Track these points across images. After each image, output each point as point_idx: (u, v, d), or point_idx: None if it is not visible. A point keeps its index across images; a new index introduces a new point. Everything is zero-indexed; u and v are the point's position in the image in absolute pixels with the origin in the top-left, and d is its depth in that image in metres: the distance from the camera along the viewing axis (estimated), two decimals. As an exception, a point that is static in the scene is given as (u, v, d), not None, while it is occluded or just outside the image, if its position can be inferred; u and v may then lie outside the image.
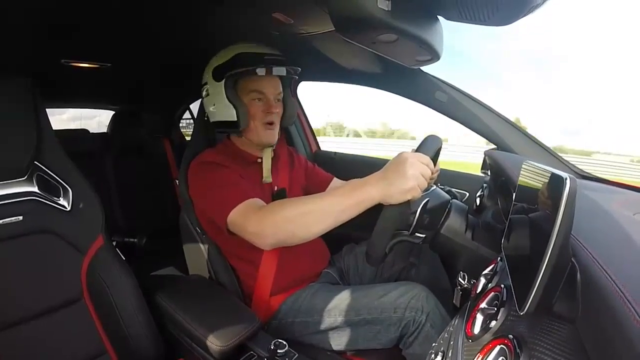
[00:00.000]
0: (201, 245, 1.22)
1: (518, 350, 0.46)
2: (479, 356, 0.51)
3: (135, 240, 2.12)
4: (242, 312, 1.06)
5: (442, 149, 0.92)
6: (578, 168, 1.27)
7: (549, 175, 0.50)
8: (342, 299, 1.11)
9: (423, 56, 1.01)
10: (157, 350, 1.07)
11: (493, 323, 0.57)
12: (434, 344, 0.77)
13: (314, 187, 1.40)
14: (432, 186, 1.08)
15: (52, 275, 0.98)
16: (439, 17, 0.91)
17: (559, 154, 1.31)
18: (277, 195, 1.24)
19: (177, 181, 1.35)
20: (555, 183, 0.46)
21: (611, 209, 0.75)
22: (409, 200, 0.80)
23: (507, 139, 1.31)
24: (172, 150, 2.67)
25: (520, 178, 0.68)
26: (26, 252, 0.94)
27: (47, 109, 1.04)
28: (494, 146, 1.36)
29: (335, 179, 1.45)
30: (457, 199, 1.10)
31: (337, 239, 1.28)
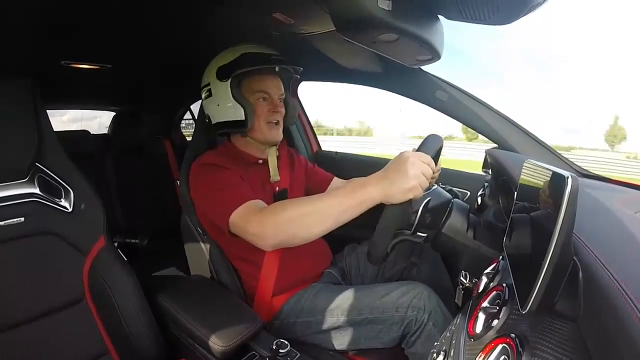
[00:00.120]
0: (202, 246, 1.22)
1: (520, 349, 0.46)
2: (481, 355, 0.51)
3: (137, 240, 2.12)
4: (244, 312, 1.06)
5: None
6: (579, 166, 1.27)
7: (551, 173, 0.50)
8: (344, 299, 1.11)
9: (423, 55, 1.01)
10: (159, 351, 1.07)
11: (495, 322, 0.57)
12: (436, 343, 0.77)
13: (314, 187, 1.40)
14: (433, 185, 1.08)
15: (54, 276, 0.98)
16: (439, 16, 0.91)
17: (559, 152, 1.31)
18: (278, 196, 1.24)
19: (178, 182, 1.35)
20: (557, 182, 0.46)
21: (613, 208, 0.75)
22: (410, 200, 0.80)
23: (508, 137, 1.31)
24: (173, 150, 2.67)
25: (521, 177, 0.68)
26: (28, 254, 0.95)
27: (47, 111, 1.05)
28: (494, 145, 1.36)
29: (335, 178, 1.45)
30: (458, 198, 1.10)
31: (338, 239, 1.28)
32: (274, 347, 0.89)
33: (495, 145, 1.35)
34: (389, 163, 0.83)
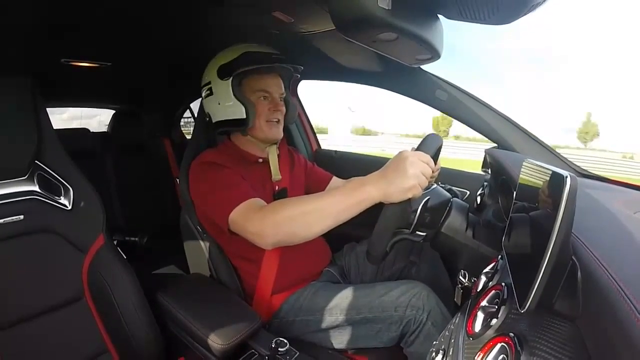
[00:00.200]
0: (202, 244, 1.22)
1: (519, 348, 0.46)
2: (480, 354, 0.52)
3: (136, 239, 2.11)
4: (243, 310, 1.06)
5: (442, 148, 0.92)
6: (578, 166, 1.27)
7: (550, 173, 0.50)
8: (343, 298, 1.11)
9: (423, 55, 1.01)
10: (158, 349, 1.07)
11: (494, 321, 0.57)
12: (434, 342, 0.77)
13: (313, 186, 1.40)
14: (432, 185, 1.08)
15: (53, 275, 0.98)
16: (439, 15, 0.91)
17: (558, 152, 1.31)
18: (278, 195, 1.24)
19: (177, 180, 1.36)
20: (556, 181, 0.46)
21: (612, 208, 0.75)
22: (409, 199, 0.80)
23: (507, 137, 1.31)
24: (173, 149, 2.67)
25: (520, 176, 0.68)
26: (27, 252, 0.95)
27: (47, 109, 1.05)
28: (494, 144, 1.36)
29: (334, 177, 1.45)
30: (457, 198, 1.10)
31: (338, 238, 1.28)
32: (273, 346, 0.89)
33: (495, 144, 1.36)
34: (388, 162, 0.83)
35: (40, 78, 1.02)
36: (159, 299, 1.10)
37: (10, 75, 0.96)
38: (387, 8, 0.74)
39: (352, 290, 1.12)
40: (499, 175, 1.09)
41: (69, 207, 1.03)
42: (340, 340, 1.10)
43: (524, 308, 0.45)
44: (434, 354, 0.69)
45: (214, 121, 1.22)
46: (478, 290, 0.76)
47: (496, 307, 0.60)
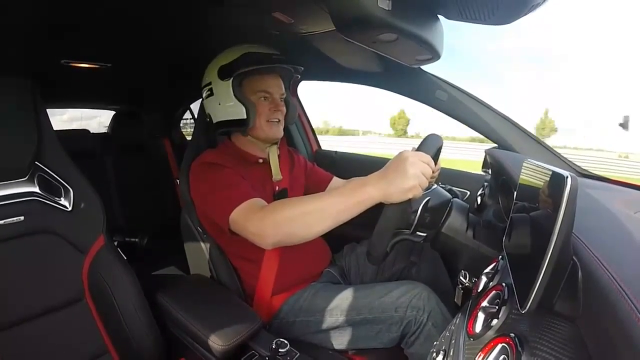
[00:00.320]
0: (202, 245, 1.22)
1: (520, 349, 0.46)
2: (480, 355, 0.52)
3: (137, 240, 2.11)
4: (244, 311, 1.06)
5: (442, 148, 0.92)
6: (578, 166, 1.27)
7: (550, 173, 0.50)
8: (343, 299, 1.11)
9: (423, 55, 1.02)
10: (159, 350, 1.07)
11: (494, 321, 0.57)
12: (435, 343, 0.77)
13: (313, 186, 1.40)
14: (433, 185, 1.08)
15: (54, 275, 0.98)
16: (439, 16, 0.91)
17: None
18: (278, 195, 1.24)
19: (177, 181, 1.36)
20: (556, 181, 0.46)
21: (612, 208, 0.75)
22: (409, 199, 0.80)
23: (507, 137, 1.31)
24: (173, 150, 2.67)
25: (521, 176, 0.68)
26: (27, 252, 0.95)
27: (47, 110, 1.05)
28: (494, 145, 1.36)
29: (335, 178, 1.45)
30: (458, 198, 1.10)
31: (338, 238, 1.28)
32: (273, 347, 0.89)
33: (495, 144, 1.35)
34: (388, 162, 0.83)
35: (40, 79, 1.02)
36: (160, 300, 1.10)
37: (10, 75, 0.96)
38: (387, 9, 0.74)
39: (352, 291, 1.12)
40: (499, 175, 1.09)
41: (69, 208, 1.03)
42: (340, 341, 1.10)
43: (525, 308, 0.45)
44: (434, 354, 0.69)
45: (214, 121, 1.22)
46: (479, 290, 0.75)
47: (497, 307, 0.60)
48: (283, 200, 0.97)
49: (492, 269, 0.80)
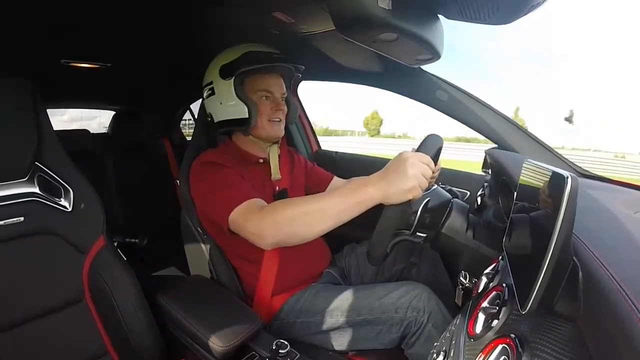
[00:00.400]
0: (202, 246, 1.22)
1: (520, 349, 0.46)
2: (481, 355, 0.51)
3: (137, 240, 2.12)
4: (244, 312, 1.06)
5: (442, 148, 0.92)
6: (578, 166, 1.27)
7: (550, 173, 0.50)
8: (343, 300, 1.11)
9: (423, 55, 1.01)
10: (158, 351, 1.07)
11: (495, 322, 0.57)
12: (435, 344, 0.77)
13: (313, 186, 1.40)
14: (433, 185, 1.07)
15: (54, 276, 0.98)
16: (439, 15, 0.91)
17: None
18: (278, 195, 1.24)
19: (177, 181, 1.36)
20: (557, 182, 0.46)
21: (612, 208, 0.75)
22: (409, 200, 0.80)
23: (507, 137, 1.31)
24: (173, 150, 2.67)
25: (521, 177, 0.68)
26: (28, 253, 0.95)
27: (47, 110, 1.05)
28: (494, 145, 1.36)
29: (335, 177, 1.45)
30: (458, 198, 1.10)
31: (338, 239, 1.28)
32: (273, 348, 0.89)
33: (495, 145, 1.35)
34: (388, 163, 0.83)
35: (40, 79, 1.02)
36: (159, 301, 1.10)
37: (10, 75, 0.96)
38: (387, 8, 0.74)
39: (353, 292, 1.12)
40: (499, 175, 1.09)
41: (69, 209, 1.02)
42: (340, 342, 1.10)
43: (525, 309, 0.45)
44: (435, 355, 0.69)
45: (215, 121, 1.22)
46: (479, 291, 0.75)
47: (497, 308, 0.60)
48: (283, 201, 0.97)
49: (492, 270, 0.79)
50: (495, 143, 1.35)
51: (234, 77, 1.13)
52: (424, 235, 0.99)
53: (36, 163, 0.98)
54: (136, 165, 2.44)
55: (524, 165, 0.67)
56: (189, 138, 2.76)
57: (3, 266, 0.91)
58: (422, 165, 0.79)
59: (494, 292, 0.65)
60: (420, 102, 1.44)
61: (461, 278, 0.91)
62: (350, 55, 1.40)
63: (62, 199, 1.02)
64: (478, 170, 1.47)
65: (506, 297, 0.61)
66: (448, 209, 1.02)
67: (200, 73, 1.24)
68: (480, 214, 1.20)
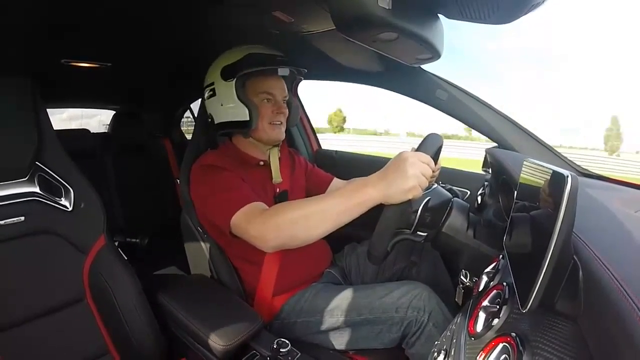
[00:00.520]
0: (203, 245, 1.22)
1: (521, 348, 0.46)
2: (481, 354, 0.51)
3: (137, 240, 2.11)
4: (245, 311, 1.06)
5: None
6: (579, 165, 1.27)
7: (550, 172, 0.50)
8: (343, 299, 1.11)
9: (423, 54, 1.01)
10: (160, 350, 1.07)
11: (495, 321, 0.57)
12: (436, 342, 0.77)
13: (313, 187, 1.40)
14: (433, 185, 1.07)
15: (54, 276, 0.98)
16: (439, 15, 0.91)
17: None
18: (279, 197, 1.24)
19: (178, 181, 1.36)
20: (557, 181, 0.46)
21: (613, 207, 0.75)
22: (410, 199, 0.80)
23: (507, 136, 1.31)
24: (173, 149, 2.67)
25: (521, 176, 0.68)
26: (28, 253, 0.95)
27: (47, 109, 1.04)
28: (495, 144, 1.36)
29: (335, 179, 1.45)
30: (458, 197, 1.10)
31: (339, 239, 1.28)
32: (274, 347, 0.89)
33: (495, 144, 1.35)
34: (388, 163, 0.83)
35: (40, 78, 1.02)
36: (160, 300, 1.10)
37: (10, 75, 0.96)
38: (387, 7, 0.74)
39: (353, 292, 1.12)
40: (499, 174, 1.09)
41: (70, 208, 1.02)
42: (341, 341, 1.10)
43: (526, 308, 0.45)
44: (435, 354, 0.69)
45: (216, 122, 1.21)
46: (479, 290, 0.75)
47: (498, 307, 0.60)
48: (284, 204, 0.97)
49: (492, 269, 0.79)
50: (496, 142, 1.35)
51: (235, 79, 1.12)
52: (425, 234, 0.99)
53: (36, 163, 0.98)
54: (136, 165, 2.44)
55: (524, 164, 0.67)
56: (188, 136, 2.77)
57: (3, 266, 0.91)
58: (422, 165, 0.79)
59: (495, 291, 0.66)
60: (421, 101, 1.44)
61: (462, 277, 0.91)
62: (351, 55, 1.39)
63: (62, 198, 1.02)
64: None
65: (507, 296, 0.61)
66: (448, 208, 1.02)
67: (200, 73, 1.23)
68: (481, 213, 1.20)
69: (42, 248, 0.97)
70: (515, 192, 0.71)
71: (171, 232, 1.54)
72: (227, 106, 1.16)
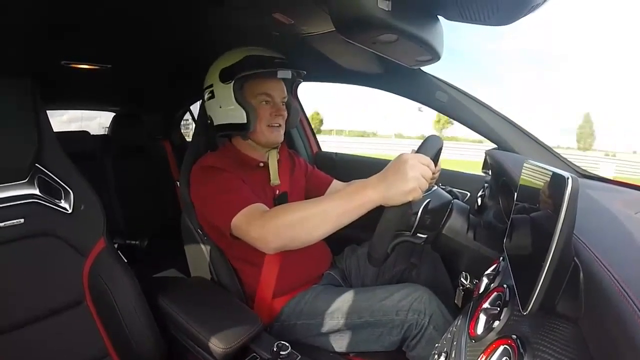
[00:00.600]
0: (203, 247, 1.21)
1: (521, 350, 0.46)
2: (482, 356, 0.51)
3: (137, 242, 2.12)
4: (245, 313, 1.06)
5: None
6: (579, 167, 1.27)
7: (551, 174, 0.50)
8: (344, 302, 1.10)
9: (423, 56, 1.01)
10: (160, 353, 1.07)
11: (496, 323, 0.57)
12: (437, 345, 0.76)
13: (313, 189, 1.40)
14: (433, 186, 1.07)
15: (54, 278, 0.98)
16: (439, 17, 0.91)
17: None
18: (279, 199, 1.24)
19: (177, 183, 1.36)
20: (557, 182, 0.46)
21: (613, 208, 0.75)
22: (410, 201, 0.80)
23: (508, 138, 1.31)
24: (173, 151, 2.67)
25: (521, 177, 0.68)
26: (28, 255, 0.94)
27: (47, 111, 1.04)
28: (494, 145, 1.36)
29: (335, 181, 1.45)
30: (458, 199, 1.10)
31: (339, 240, 1.28)
32: (274, 349, 0.89)
33: (495, 145, 1.35)
34: (388, 165, 0.82)
35: (40, 79, 1.02)
36: (160, 303, 1.10)
37: (10, 76, 0.96)
38: (387, 9, 0.74)
39: (353, 294, 1.12)
40: (499, 176, 1.09)
41: (70, 211, 1.02)
42: (341, 344, 1.10)
43: (526, 310, 0.45)
44: (436, 356, 0.69)
45: (215, 124, 1.21)
46: (480, 292, 0.75)
47: (498, 309, 0.60)
48: (284, 206, 0.97)
49: (493, 271, 0.79)
50: (496, 144, 1.35)
51: (233, 82, 1.12)
52: (425, 236, 0.99)
53: (36, 164, 0.98)
54: (136, 167, 2.44)
55: (524, 165, 0.67)
56: (188, 139, 2.77)
57: (3, 268, 0.91)
58: (422, 167, 0.79)
59: (495, 293, 0.65)
60: (420, 103, 1.44)
61: (462, 279, 0.91)
62: (350, 57, 1.40)
63: (62, 200, 1.02)
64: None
65: (507, 298, 0.60)
66: (448, 210, 1.02)
67: (200, 74, 1.23)
68: (481, 214, 1.20)
69: (41, 250, 0.96)
70: (516, 194, 0.71)
71: (171, 234, 1.53)
72: (226, 108, 1.16)
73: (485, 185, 1.29)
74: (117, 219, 2.28)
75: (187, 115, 2.86)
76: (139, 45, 1.46)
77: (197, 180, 1.15)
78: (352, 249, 1.42)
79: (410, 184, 0.77)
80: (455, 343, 0.65)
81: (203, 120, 1.27)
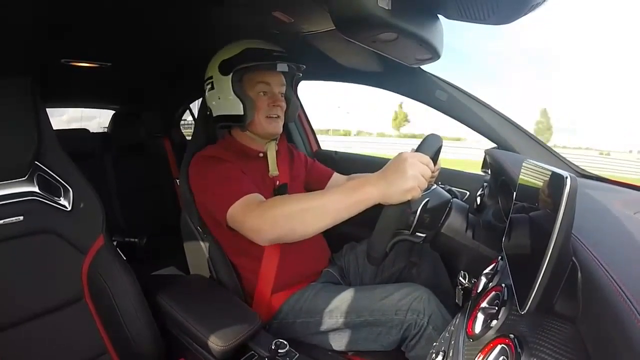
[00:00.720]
0: (202, 245, 1.21)
1: (519, 350, 0.46)
2: (480, 356, 0.51)
3: (136, 240, 2.12)
4: (243, 311, 1.06)
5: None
6: (578, 166, 1.27)
7: (550, 174, 0.50)
8: (343, 300, 1.10)
9: (423, 55, 1.01)
10: (158, 350, 1.07)
11: (494, 322, 0.57)
12: (435, 344, 0.77)
13: (314, 182, 1.40)
14: (432, 185, 1.07)
15: (53, 276, 0.98)
16: (439, 15, 0.91)
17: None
18: (278, 190, 1.24)
19: (177, 181, 1.35)
20: (556, 182, 0.46)
21: (612, 208, 0.75)
22: (409, 200, 0.80)
23: (507, 137, 1.31)
24: (172, 149, 2.67)
25: (520, 177, 0.68)
26: (27, 252, 0.94)
27: (47, 110, 1.04)
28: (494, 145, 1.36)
29: (335, 173, 1.45)
30: (457, 198, 1.10)
31: (337, 238, 1.28)
32: (273, 347, 0.89)
33: (495, 145, 1.35)
34: (387, 163, 0.82)
35: (40, 78, 1.02)
36: (159, 300, 1.10)
37: (10, 75, 0.96)
38: (387, 8, 0.74)
39: (353, 293, 1.12)
40: (498, 175, 1.09)
41: (69, 208, 1.02)
42: (340, 342, 1.10)
43: (524, 309, 0.45)
44: (434, 355, 0.69)
45: (214, 115, 1.22)
46: (478, 291, 0.75)
47: (496, 308, 0.60)
48: (282, 197, 0.97)
49: (491, 270, 0.79)
50: (495, 143, 1.35)
51: (232, 74, 1.12)
52: (424, 235, 0.99)
53: (36, 162, 0.98)
54: (136, 165, 2.44)
55: (524, 165, 0.67)
56: (188, 137, 2.77)
57: (2, 265, 0.91)
58: (422, 166, 0.79)
59: (493, 292, 0.65)
60: (420, 102, 1.44)
61: (460, 278, 0.91)
62: (350, 55, 1.39)
63: (61, 198, 1.02)
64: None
65: (505, 297, 0.60)
66: (447, 209, 1.02)
67: (200, 72, 1.23)
68: (480, 214, 1.20)
69: (40, 248, 0.96)
70: (515, 193, 0.71)
71: (170, 231, 1.54)
72: (224, 99, 1.16)
73: (485, 184, 1.29)
74: (116, 216, 2.28)
75: (187, 116, 2.86)
76: (139, 43, 1.46)
77: (197, 170, 1.15)
78: (351, 247, 1.42)
79: (409, 182, 0.77)
80: (453, 342, 0.65)
81: (204, 113, 1.27)
